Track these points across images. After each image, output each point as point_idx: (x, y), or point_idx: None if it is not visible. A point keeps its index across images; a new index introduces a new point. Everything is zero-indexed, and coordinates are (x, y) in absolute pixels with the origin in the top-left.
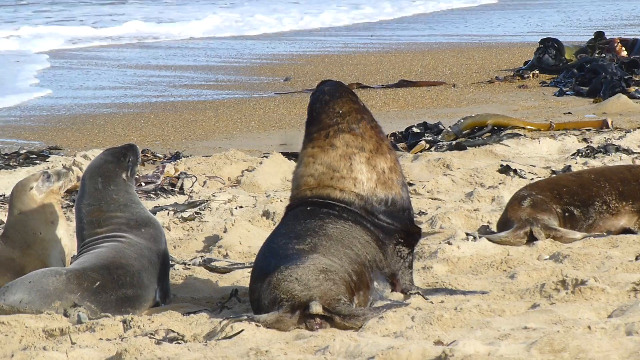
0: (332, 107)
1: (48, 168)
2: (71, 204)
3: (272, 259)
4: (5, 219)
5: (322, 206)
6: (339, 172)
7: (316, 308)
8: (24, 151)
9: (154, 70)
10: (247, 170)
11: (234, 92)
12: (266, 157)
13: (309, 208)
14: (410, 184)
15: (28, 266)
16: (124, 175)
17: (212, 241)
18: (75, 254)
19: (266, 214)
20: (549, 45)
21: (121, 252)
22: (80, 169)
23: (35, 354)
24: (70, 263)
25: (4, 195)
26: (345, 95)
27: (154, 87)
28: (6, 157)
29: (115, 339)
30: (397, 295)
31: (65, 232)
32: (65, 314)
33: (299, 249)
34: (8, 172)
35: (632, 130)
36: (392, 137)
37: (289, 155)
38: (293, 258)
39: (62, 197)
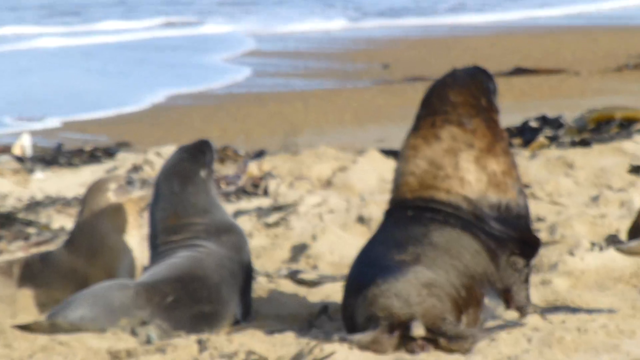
0: (447, 92)
1: (115, 168)
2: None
3: (368, 271)
4: (68, 226)
5: (426, 210)
6: (443, 169)
7: (418, 330)
8: (88, 148)
9: (236, 57)
10: (339, 169)
11: (325, 80)
12: (361, 154)
13: (410, 213)
14: (527, 186)
15: (92, 278)
16: (202, 174)
17: (299, 250)
18: (147, 265)
19: (361, 220)
20: None
21: (198, 262)
22: (153, 167)
23: None
24: (141, 275)
25: (65, 197)
26: (470, 85)
27: (236, 76)
28: (68, 154)
29: None
30: (512, 314)
31: (138, 243)
32: (133, 333)
33: (399, 260)
34: (70, 171)
35: None
36: (507, 132)
37: (387, 152)
38: (392, 270)
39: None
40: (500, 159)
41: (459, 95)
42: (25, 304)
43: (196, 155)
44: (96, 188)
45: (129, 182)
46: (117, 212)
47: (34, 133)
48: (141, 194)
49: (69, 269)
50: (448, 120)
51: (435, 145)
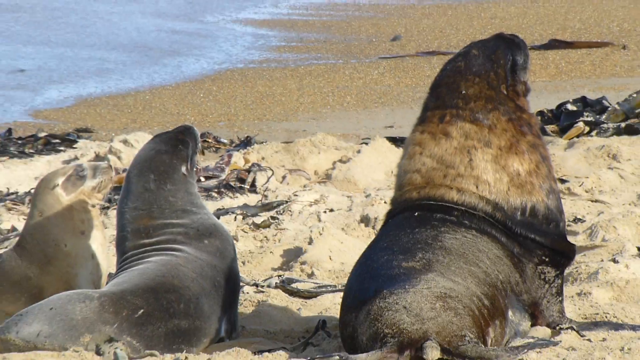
0: (457, 82)
1: (76, 158)
2: (106, 204)
3: (371, 281)
4: (20, 227)
5: (435, 210)
6: (455, 168)
7: (432, 352)
8: (43, 134)
9: (216, 26)
10: (340, 161)
11: (323, 56)
12: (366, 143)
13: (417, 213)
14: (563, 181)
15: (48, 288)
16: (183, 169)
17: (293, 255)
18: (113, 272)
19: (365, 220)
20: None
21: (174, 269)
22: (119, 157)
23: None
24: (107, 284)
25: (17, 192)
26: (487, 72)
27: (216, 49)
28: (20, 141)
29: None
30: (542, 331)
31: (101, 246)
32: (98, 352)
33: (407, 268)
34: (22, 162)
35: None
36: (539, 117)
37: (397, 140)
38: (400, 280)
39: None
40: (524, 157)
41: (472, 87)
42: None
43: (177, 147)
44: (43, 185)
45: (79, 172)
46: (70, 211)
47: None
48: (94, 184)
49: (21, 277)
50: (459, 115)
51: (444, 143)
